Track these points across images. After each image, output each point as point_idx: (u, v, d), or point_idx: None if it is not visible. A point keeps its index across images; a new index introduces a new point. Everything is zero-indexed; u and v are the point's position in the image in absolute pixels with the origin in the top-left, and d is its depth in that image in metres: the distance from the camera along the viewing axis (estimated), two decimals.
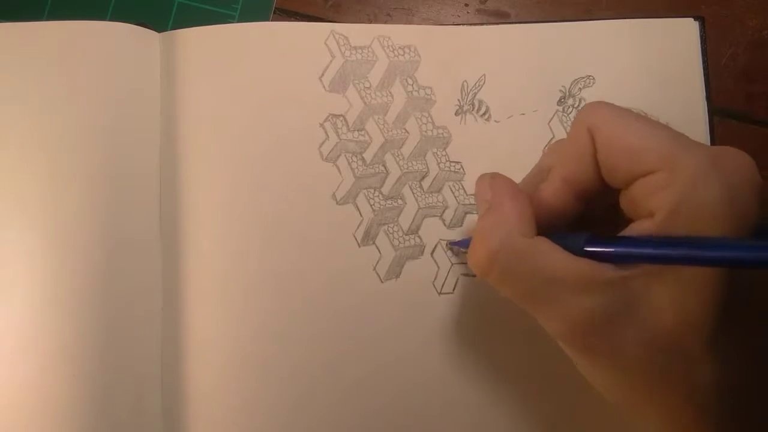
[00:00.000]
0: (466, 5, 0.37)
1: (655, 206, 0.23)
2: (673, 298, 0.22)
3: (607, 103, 0.26)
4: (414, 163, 0.34)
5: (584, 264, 0.23)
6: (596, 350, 0.24)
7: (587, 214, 0.27)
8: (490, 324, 0.33)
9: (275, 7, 0.37)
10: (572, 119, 0.34)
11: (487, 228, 0.26)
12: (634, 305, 0.23)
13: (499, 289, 0.26)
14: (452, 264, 0.33)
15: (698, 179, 0.22)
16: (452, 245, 0.33)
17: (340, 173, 0.34)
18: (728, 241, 0.21)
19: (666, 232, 0.22)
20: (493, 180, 0.27)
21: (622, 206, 0.25)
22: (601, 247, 0.23)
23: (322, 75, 0.34)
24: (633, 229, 0.24)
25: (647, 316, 0.22)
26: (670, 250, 0.21)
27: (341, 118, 0.34)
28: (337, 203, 0.33)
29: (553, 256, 0.24)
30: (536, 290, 0.24)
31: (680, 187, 0.22)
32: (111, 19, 0.35)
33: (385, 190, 0.34)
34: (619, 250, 0.23)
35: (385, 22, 0.37)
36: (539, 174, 0.28)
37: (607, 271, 0.23)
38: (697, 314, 0.22)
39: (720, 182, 0.22)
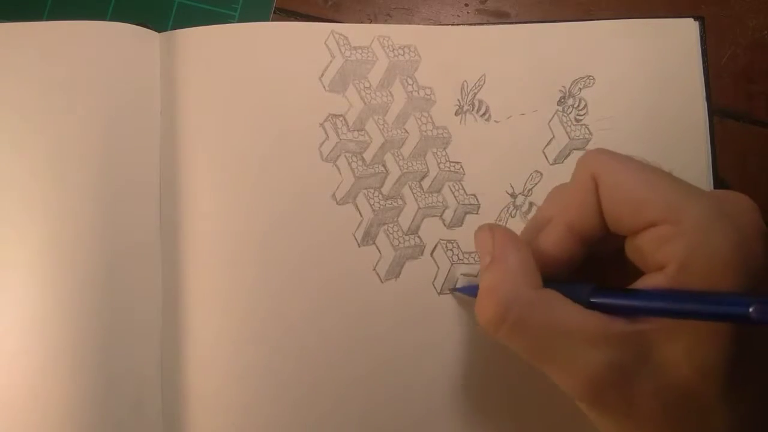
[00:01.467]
0: (466, 5, 0.37)
1: (664, 259, 0.23)
2: (687, 349, 0.22)
3: (609, 151, 0.25)
4: (414, 163, 0.34)
5: (596, 317, 0.23)
6: (611, 404, 0.23)
7: (593, 259, 0.27)
8: None
9: (275, 7, 0.37)
10: (572, 119, 0.34)
11: (494, 281, 0.25)
12: (648, 358, 0.23)
13: (509, 344, 0.25)
14: (452, 264, 0.33)
15: (706, 230, 0.22)
16: (456, 291, 0.33)
17: (340, 173, 0.34)
18: (741, 297, 0.21)
19: (679, 285, 0.22)
20: (493, 231, 0.27)
21: (627, 253, 0.25)
22: (609, 299, 0.23)
23: (322, 75, 0.34)
24: (645, 283, 0.23)
25: (662, 368, 0.22)
26: (684, 305, 0.21)
27: (341, 118, 0.34)
28: (337, 203, 0.33)
29: (564, 309, 0.24)
30: (548, 345, 0.24)
31: (688, 240, 0.22)
32: (111, 19, 0.35)
33: (385, 190, 0.34)
34: (632, 303, 0.23)
35: (385, 22, 0.37)
36: (540, 222, 0.27)
37: (620, 324, 0.23)
38: (712, 365, 0.22)
39: (727, 231, 0.22)
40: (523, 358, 0.25)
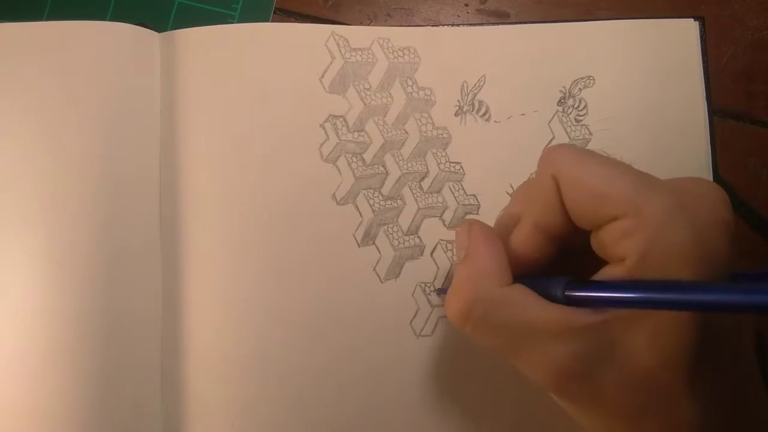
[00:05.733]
0: (466, 5, 0.37)
1: (624, 252, 0.23)
2: (650, 338, 0.22)
3: (568, 146, 0.26)
4: (414, 163, 0.34)
5: (560, 310, 0.24)
6: (578, 395, 0.24)
7: (563, 254, 0.27)
8: None
9: (275, 7, 0.37)
10: (572, 119, 0.34)
11: (463, 278, 0.26)
12: (612, 348, 0.23)
13: (476, 340, 0.26)
14: (452, 264, 0.33)
15: (665, 223, 0.22)
16: (440, 291, 0.33)
17: (340, 174, 0.34)
18: (701, 284, 0.21)
19: (637, 277, 0.22)
20: (471, 227, 0.27)
21: (593, 247, 0.25)
22: (582, 292, 0.23)
23: (323, 76, 0.34)
24: (604, 274, 0.24)
25: (626, 357, 0.23)
26: (651, 294, 0.21)
27: (341, 119, 0.34)
28: (337, 203, 0.33)
29: (528, 305, 0.24)
30: (513, 340, 0.25)
31: (647, 233, 0.22)
32: (111, 19, 0.35)
33: (385, 190, 0.34)
34: (602, 295, 0.23)
35: (385, 22, 0.37)
36: (509, 219, 0.28)
37: (584, 316, 0.23)
38: (675, 353, 0.22)
39: (687, 224, 0.22)
40: (491, 352, 0.26)
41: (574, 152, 0.25)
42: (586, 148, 0.25)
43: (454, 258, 0.33)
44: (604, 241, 0.24)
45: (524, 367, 0.25)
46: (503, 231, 0.27)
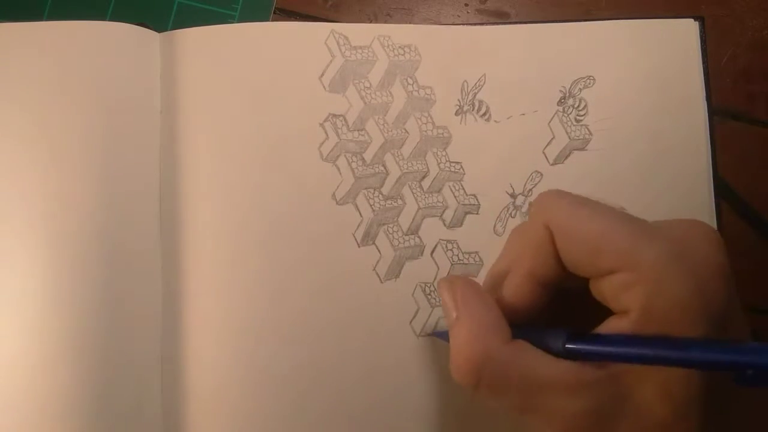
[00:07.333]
0: (466, 5, 0.37)
1: (626, 305, 0.23)
2: (660, 389, 0.22)
3: (559, 194, 0.25)
4: (414, 163, 0.34)
5: (568, 366, 0.23)
6: None
7: (560, 300, 0.27)
8: None
9: (275, 7, 0.37)
10: (572, 119, 0.34)
11: (464, 340, 0.25)
12: (622, 401, 0.23)
13: (488, 401, 0.25)
14: (452, 264, 0.33)
15: (662, 277, 0.22)
16: (435, 335, 0.33)
17: (340, 173, 0.34)
18: (704, 343, 0.21)
19: (642, 331, 0.22)
20: (453, 287, 0.27)
21: (593, 293, 0.25)
22: (583, 345, 0.23)
23: (322, 75, 0.34)
24: (609, 327, 0.23)
25: (638, 409, 0.22)
26: (655, 350, 0.22)
27: (341, 118, 0.34)
28: (337, 203, 0.33)
29: (536, 362, 0.24)
30: (525, 398, 0.24)
31: (647, 287, 0.22)
32: (111, 19, 0.35)
33: (385, 190, 0.34)
34: (603, 349, 0.23)
35: (385, 22, 0.37)
36: (502, 269, 0.27)
37: (592, 370, 0.23)
38: (686, 402, 0.22)
39: (685, 275, 0.22)
40: (503, 411, 0.25)
41: (566, 201, 0.25)
42: (573, 191, 0.25)
43: (453, 258, 0.33)
44: (603, 292, 0.24)
45: (539, 423, 0.24)
46: (496, 280, 0.27)
